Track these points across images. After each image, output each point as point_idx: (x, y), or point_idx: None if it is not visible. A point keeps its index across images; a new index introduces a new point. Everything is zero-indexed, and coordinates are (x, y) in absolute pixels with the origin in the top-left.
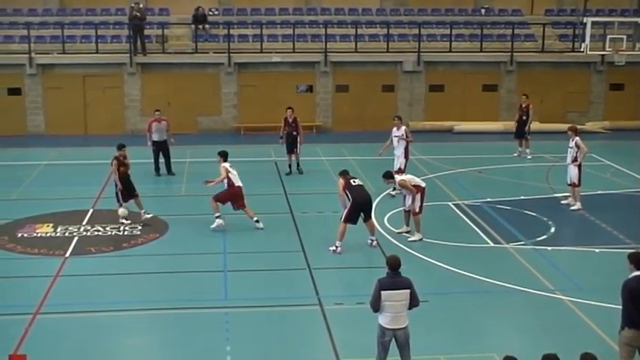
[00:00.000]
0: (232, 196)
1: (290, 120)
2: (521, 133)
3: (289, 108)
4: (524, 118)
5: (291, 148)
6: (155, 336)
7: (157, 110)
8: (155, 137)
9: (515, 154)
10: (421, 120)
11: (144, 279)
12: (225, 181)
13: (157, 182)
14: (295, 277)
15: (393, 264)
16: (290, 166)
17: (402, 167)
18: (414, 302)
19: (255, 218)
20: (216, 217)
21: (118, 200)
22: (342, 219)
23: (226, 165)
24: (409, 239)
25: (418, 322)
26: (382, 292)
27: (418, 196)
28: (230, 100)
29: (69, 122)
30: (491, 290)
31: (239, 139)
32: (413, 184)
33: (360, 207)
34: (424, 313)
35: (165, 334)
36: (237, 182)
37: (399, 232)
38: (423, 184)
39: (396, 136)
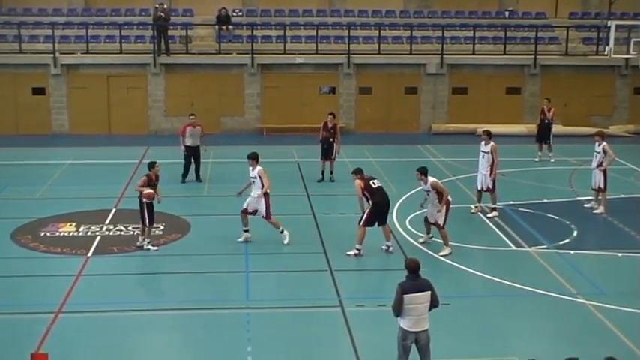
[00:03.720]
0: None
1: (330, 126)
2: (546, 137)
3: (331, 113)
4: (547, 122)
5: (326, 154)
6: (176, 336)
7: (192, 115)
8: (189, 142)
9: (536, 160)
10: (444, 122)
11: (165, 279)
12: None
13: (179, 183)
14: (317, 278)
15: (413, 267)
16: (323, 173)
17: (485, 188)
18: (433, 303)
19: None
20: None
21: (146, 223)
22: (362, 223)
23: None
24: (439, 254)
25: (439, 325)
26: (405, 296)
27: (444, 210)
28: (253, 101)
29: (93, 122)
30: (513, 293)
31: (262, 139)
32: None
33: (380, 210)
34: (445, 316)
35: (187, 334)
36: None
37: (422, 242)
38: (450, 198)
39: (482, 152)
